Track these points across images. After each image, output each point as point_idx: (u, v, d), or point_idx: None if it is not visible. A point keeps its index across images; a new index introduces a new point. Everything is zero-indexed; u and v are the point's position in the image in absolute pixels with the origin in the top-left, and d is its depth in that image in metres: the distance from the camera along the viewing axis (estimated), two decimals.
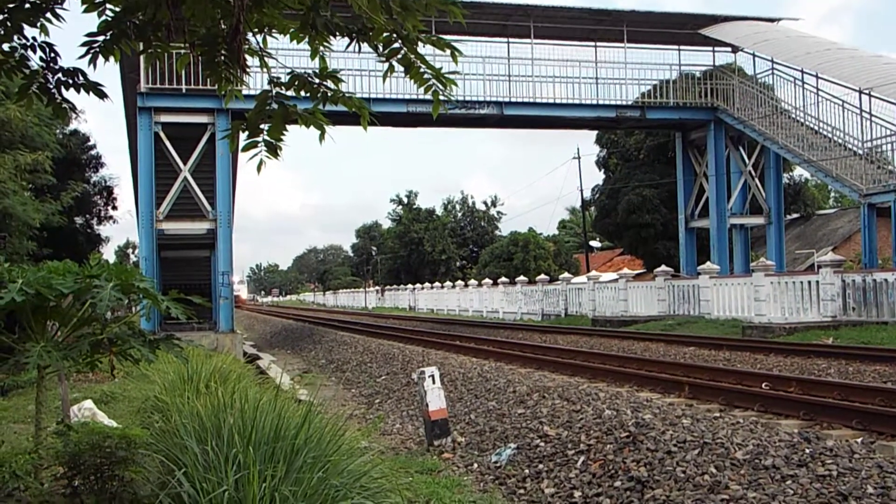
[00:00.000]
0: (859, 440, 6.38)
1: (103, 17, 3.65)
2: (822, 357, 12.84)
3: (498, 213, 77.88)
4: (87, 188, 30.67)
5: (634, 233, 39.57)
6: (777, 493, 5.16)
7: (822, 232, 41.83)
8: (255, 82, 14.42)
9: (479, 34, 24.99)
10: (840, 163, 22.01)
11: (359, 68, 22.35)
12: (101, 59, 3.75)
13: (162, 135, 20.68)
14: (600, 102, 25.44)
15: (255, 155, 3.90)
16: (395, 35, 3.62)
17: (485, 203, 78.84)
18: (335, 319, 36.76)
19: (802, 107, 24.36)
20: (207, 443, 3.75)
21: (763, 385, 9.58)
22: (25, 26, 3.75)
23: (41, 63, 3.96)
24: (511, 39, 25.37)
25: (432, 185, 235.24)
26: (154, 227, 20.51)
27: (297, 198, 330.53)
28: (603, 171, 44.43)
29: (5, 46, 3.83)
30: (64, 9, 3.77)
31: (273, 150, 3.91)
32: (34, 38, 3.87)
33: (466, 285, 42.46)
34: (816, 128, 23.64)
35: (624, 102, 25.67)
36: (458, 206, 78.61)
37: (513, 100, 24.48)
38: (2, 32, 3.71)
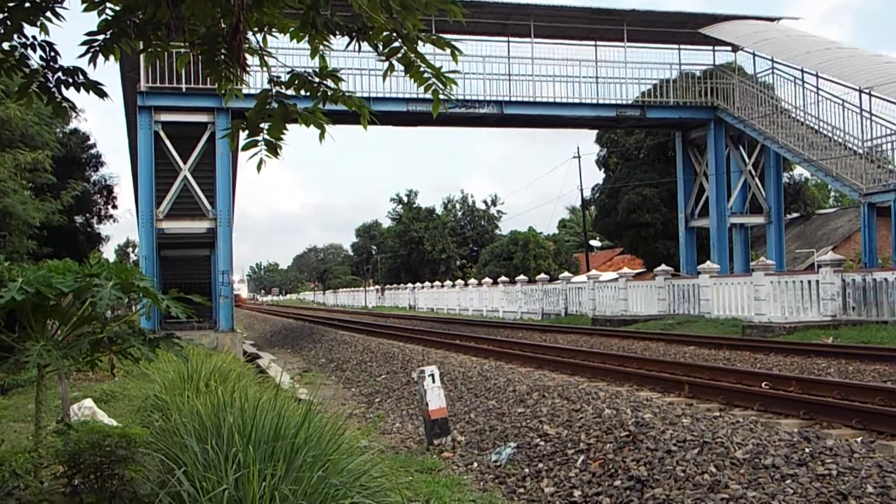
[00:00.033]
0: (859, 439, 6.38)
1: (103, 16, 3.65)
2: (821, 356, 12.84)
3: (498, 212, 77.94)
4: (87, 187, 30.64)
5: (634, 232, 39.57)
6: (777, 492, 5.16)
7: (822, 231, 41.83)
8: (256, 81, 14.46)
9: (480, 33, 24.97)
10: (840, 162, 22.01)
11: (359, 67, 22.34)
12: (101, 58, 3.75)
13: (162, 134, 20.68)
14: (600, 102, 25.44)
15: (255, 154, 3.90)
16: (395, 34, 3.62)
17: (485, 202, 78.94)
18: (335, 318, 36.76)
19: (802, 106, 24.36)
20: (207, 442, 3.75)
21: (763, 384, 9.58)
22: (25, 25, 3.74)
23: (41, 62, 3.95)
24: (511, 38, 25.37)
25: (432, 185, 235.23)
26: (154, 226, 20.51)
27: (297, 197, 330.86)
28: (603, 170, 44.45)
29: (5, 45, 3.82)
30: (64, 8, 3.77)
31: (273, 149, 3.91)
32: (34, 37, 3.87)
33: (466, 284, 42.47)
34: (816, 127, 23.64)
35: (624, 102, 25.67)
36: (458, 206, 78.61)
37: (513, 99, 24.48)
38: (2, 31, 3.70)
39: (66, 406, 5.65)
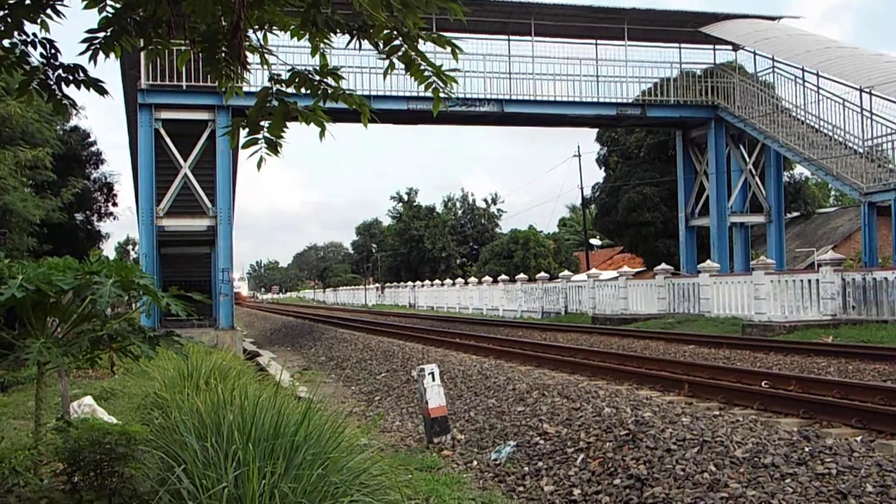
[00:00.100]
0: (859, 439, 6.39)
1: (104, 14, 3.65)
2: (821, 355, 12.84)
3: (498, 210, 77.88)
4: (88, 185, 30.61)
5: (635, 231, 39.58)
6: (776, 491, 5.16)
7: (823, 230, 41.82)
8: (256, 79, 14.43)
9: (480, 32, 24.95)
10: (840, 161, 22.00)
11: (359, 65, 22.36)
12: (101, 55, 3.75)
13: (162, 131, 20.69)
14: (601, 100, 25.45)
15: (256, 152, 3.89)
16: (395, 32, 3.61)
17: (485, 200, 78.83)
18: (335, 317, 36.78)
19: (803, 105, 24.35)
20: (207, 439, 3.75)
21: (763, 383, 9.58)
22: (26, 23, 3.74)
23: (41, 59, 3.95)
24: (512, 37, 25.37)
25: (433, 183, 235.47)
26: (154, 224, 20.52)
27: (298, 195, 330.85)
28: (603, 168, 44.44)
29: (6, 43, 3.82)
30: (64, 5, 3.76)
31: (273, 147, 3.90)
32: (34, 35, 3.87)
33: (466, 283, 42.48)
34: (817, 126, 23.62)
35: (624, 100, 25.68)
36: (458, 204, 78.55)
37: (513, 97, 24.49)
38: (2, 28, 3.70)
39: (65, 403, 5.66)
